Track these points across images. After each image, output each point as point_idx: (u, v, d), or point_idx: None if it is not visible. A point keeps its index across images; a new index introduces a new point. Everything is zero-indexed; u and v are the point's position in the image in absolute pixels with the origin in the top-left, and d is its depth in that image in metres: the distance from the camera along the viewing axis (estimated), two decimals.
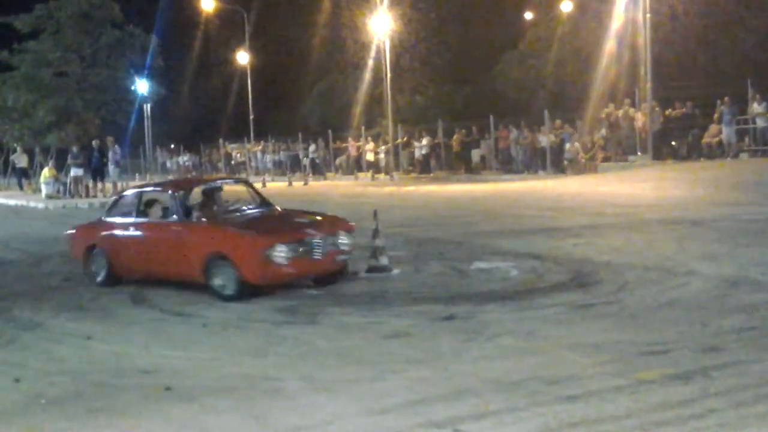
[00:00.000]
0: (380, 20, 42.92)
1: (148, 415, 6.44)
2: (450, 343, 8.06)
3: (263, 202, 12.97)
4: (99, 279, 12.69)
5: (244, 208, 12.56)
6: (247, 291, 10.83)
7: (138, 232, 12.39)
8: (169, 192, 12.22)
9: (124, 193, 14.05)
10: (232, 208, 12.53)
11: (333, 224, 12.03)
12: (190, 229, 11.65)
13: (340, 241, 11.64)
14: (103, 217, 13.44)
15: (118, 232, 12.68)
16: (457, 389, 6.60)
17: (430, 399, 6.41)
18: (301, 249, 11.00)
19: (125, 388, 7.13)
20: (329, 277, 11.69)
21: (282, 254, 10.73)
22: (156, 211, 12.44)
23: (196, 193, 13.12)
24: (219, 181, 13.43)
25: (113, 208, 13.36)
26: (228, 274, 10.92)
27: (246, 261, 10.82)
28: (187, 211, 11.94)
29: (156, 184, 15.23)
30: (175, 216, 11.90)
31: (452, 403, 6.29)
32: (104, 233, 12.90)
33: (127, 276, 12.59)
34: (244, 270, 10.79)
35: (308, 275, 11.54)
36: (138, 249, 12.33)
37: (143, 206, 12.57)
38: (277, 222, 12.06)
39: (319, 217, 12.36)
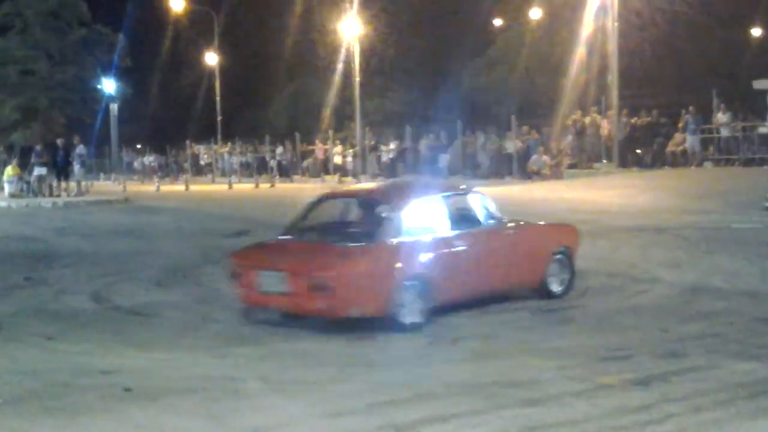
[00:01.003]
0: (350, 24, 42.90)
1: (107, 415, 6.36)
2: (412, 346, 8.05)
3: None
4: (415, 320, 9.00)
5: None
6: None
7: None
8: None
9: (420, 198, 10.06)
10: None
11: None
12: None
13: None
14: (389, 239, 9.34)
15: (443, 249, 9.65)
16: (419, 392, 6.58)
17: (392, 402, 6.39)
18: None
19: (85, 388, 7.04)
20: None
21: None
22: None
23: None
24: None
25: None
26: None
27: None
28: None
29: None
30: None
31: (414, 407, 6.27)
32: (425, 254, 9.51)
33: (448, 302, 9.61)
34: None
35: None
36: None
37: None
38: None
39: None
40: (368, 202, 10.52)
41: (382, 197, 10.43)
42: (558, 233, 11.29)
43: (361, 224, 10.03)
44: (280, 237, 10.14)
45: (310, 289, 8.68)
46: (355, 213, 10.56)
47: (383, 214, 9.62)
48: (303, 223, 10.45)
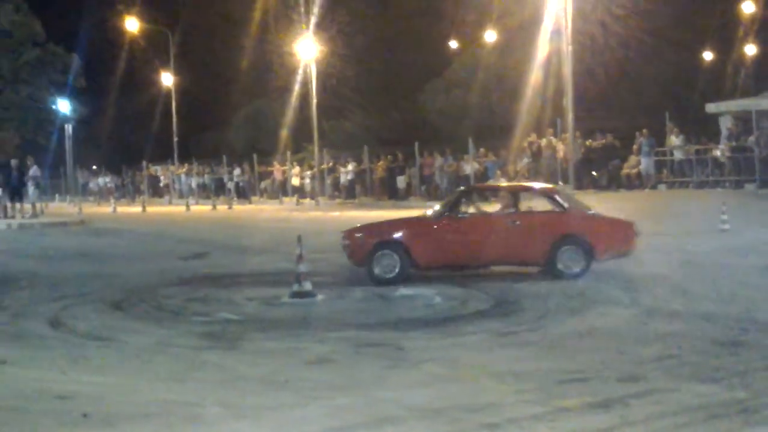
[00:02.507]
0: (306, 45, 43.00)
1: None
2: (372, 370, 8.05)
3: None
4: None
5: None
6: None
7: None
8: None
9: None
10: None
11: None
12: None
13: None
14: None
15: None
16: (379, 416, 6.58)
17: (352, 426, 6.38)
18: None
19: (40, 413, 6.94)
20: None
21: None
22: None
23: None
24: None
25: None
26: None
27: None
28: None
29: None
30: None
31: (374, 431, 6.27)
32: None
33: None
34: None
35: None
36: None
37: None
38: None
39: None
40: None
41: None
42: None
43: None
44: None
45: None
46: None
47: None
48: None
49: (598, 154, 32.07)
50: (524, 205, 14.34)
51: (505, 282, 13.26)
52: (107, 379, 8.05)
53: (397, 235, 14.09)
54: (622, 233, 14.00)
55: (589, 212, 14.60)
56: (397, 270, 13.67)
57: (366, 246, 13.76)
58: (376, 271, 13.67)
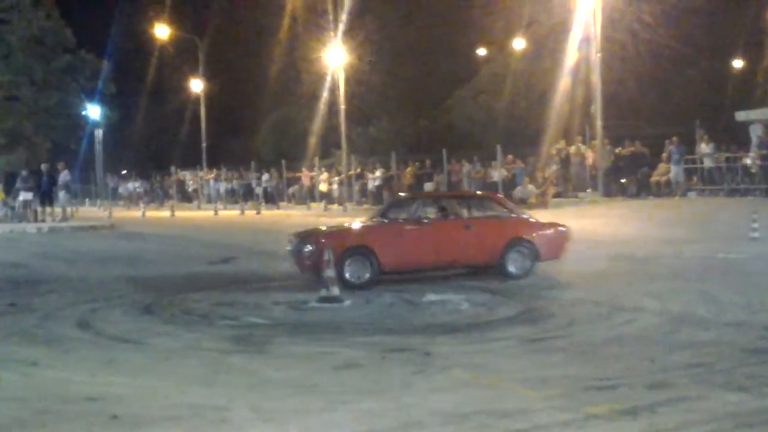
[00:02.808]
0: (335, 52, 43.08)
1: None
2: (400, 375, 8.04)
3: None
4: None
5: None
6: None
7: None
8: None
9: None
10: None
11: None
12: None
13: None
14: None
15: None
16: (407, 421, 6.58)
17: (379, 431, 6.39)
18: None
19: (70, 415, 6.99)
20: None
21: None
22: None
23: None
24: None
25: None
26: None
27: None
28: None
29: None
30: None
31: None
32: None
33: None
34: None
35: None
36: None
37: None
38: None
39: None
40: None
41: None
42: None
43: None
44: None
45: None
46: None
47: None
48: None
49: (626, 162, 31.90)
50: (475, 211, 15.39)
51: (533, 289, 13.23)
52: (136, 382, 8.10)
53: (367, 239, 14.27)
54: (560, 237, 15.18)
55: (531, 218, 15.74)
56: (368, 275, 13.90)
57: (337, 251, 13.58)
58: (348, 276, 13.73)
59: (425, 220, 14.84)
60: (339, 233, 14.81)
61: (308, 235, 14.82)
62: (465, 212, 15.25)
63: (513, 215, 15.40)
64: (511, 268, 14.50)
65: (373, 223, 15.10)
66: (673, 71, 41.64)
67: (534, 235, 14.83)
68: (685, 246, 18.21)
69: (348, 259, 13.86)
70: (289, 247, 14.82)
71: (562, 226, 15.46)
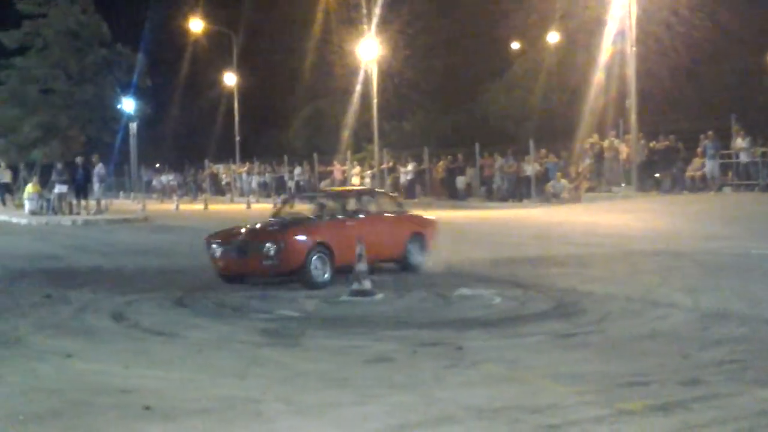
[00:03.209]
0: (368, 46, 43.10)
1: None
2: (432, 369, 8.04)
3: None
4: None
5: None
6: None
7: None
8: None
9: None
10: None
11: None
12: None
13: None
14: None
15: None
16: (438, 416, 6.58)
17: (411, 425, 6.39)
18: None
19: (104, 406, 7.06)
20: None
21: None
22: None
23: None
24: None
25: None
26: None
27: None
28: None
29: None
30: None
31: (432, 430, 6.27)
32: None
33: None
34: None
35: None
36: None
37: None
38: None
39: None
40: None
41: None
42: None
43: None
44: None
45: None
46: None
47: None
48: None
49: (661, 156, 31.68)
50: (376, 207, 16.11)
51: (566, 283, 13.18)
52: (169, 374, 8.16)
53: (326, 236, 13.98)
54: (436, 230, 16.23)
55: (413, 213, 16.68)
56: (328, 274, 13.60)
57: (304, 248, 13.38)
58: (313, 274, 13.46)
59: (360, 216, 15.14)
60: (305, 229, 14.17)
61: (275, 233, 13.91)
62: (373, 208, 15.97)
63: (402, 210, 16.28)
64: (412, 261, 15.23)
65: (311, 218, 15.18)
66: (709, 65, 41.21)
67: (427, 229, 15.84)
68: (720, 242, 18.06)
69: (314, 256, 13.46)
70: (216, 251, 13.82)
71: (435, 219, 16.77)
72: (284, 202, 16.61)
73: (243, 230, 14.59)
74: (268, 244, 13.36)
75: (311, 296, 12.64)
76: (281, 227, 14.40)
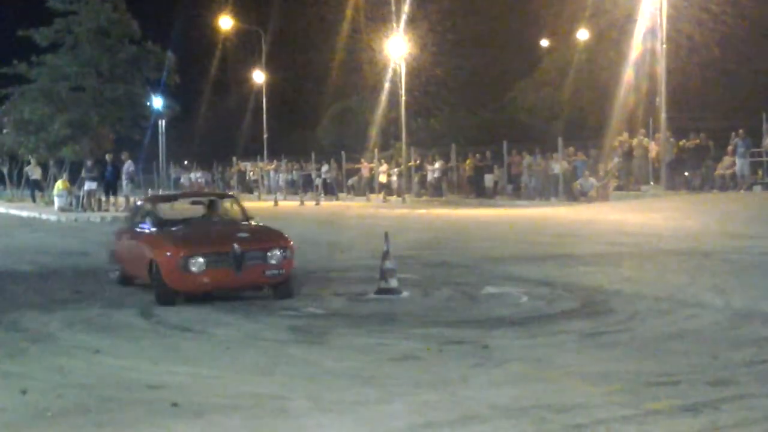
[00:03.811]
0: (396, 43, 43.08)
1: (154, 430, 6.43)
2: (458, 368, 8.03)
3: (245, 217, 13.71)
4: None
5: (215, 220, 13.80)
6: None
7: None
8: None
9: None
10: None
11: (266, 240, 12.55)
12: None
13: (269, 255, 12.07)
14: None
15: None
16: (464, 414, 6.57)
17: (437, 423, 6.38)
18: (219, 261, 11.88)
19: (132, 402, 7.11)
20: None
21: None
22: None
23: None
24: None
25: None
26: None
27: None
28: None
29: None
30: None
31: (459, 428, 6.26)
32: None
33: None
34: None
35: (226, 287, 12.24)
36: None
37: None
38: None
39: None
40: None
41: None
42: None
43: None
44: None
45: None
46: None
47: None
48: None
49: (690, 155, 31.45)
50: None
51: (594, 282, 13.11)
52: (197, 371, 8.20)
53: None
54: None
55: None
56: None
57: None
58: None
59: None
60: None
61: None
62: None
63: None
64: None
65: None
66: (741, 62, 40.87)
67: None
68: (750, 241, 17.91)
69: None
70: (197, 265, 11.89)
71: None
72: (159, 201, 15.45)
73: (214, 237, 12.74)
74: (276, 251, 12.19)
75: (338, 294, 12.65)
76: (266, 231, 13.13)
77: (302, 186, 47.79)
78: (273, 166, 53.62)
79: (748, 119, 30.87)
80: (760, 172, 29.94)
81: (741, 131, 29.40)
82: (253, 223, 13.51)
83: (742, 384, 7.27)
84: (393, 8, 43.48)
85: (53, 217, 31.68)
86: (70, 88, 38.01)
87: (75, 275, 15.30)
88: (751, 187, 28.81)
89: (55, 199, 35.22)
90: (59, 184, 35.68)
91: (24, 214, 35.64)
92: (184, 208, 16.91)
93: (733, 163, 29.59)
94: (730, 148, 29.82)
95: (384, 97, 49.06)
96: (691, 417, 6.39)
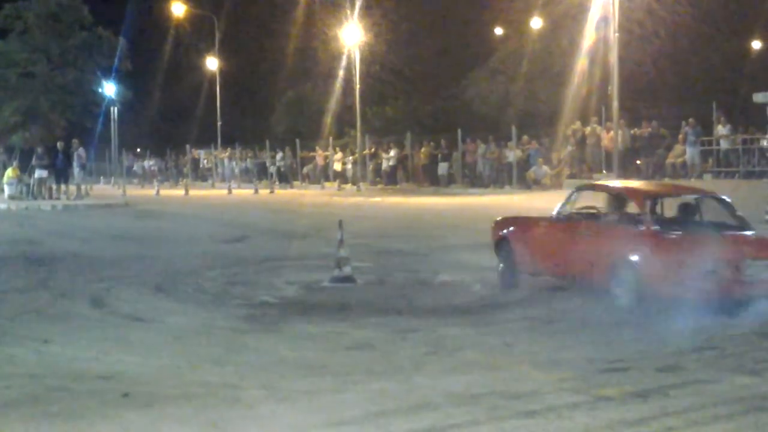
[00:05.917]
0: (351, 31, 42.98)
1: (105, 421, 6.35)
2: (411, 356, 8.05)
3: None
4: None
5: None
6: None
7: None
8: None
9: None
10: None
11: None
12: None
13: None
14: None
15: None
16: (418, 402, 6.59)
17: (390, 411, 6.39)
18: None
19: (82, 393, 7.03)
20: None
21: None
22: None
23: None
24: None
25: None
26: None
27: None
28: None
29: None
30: None
31: (412, 417, 6.28)
32: None
33: None
34: None
35: None
36: None
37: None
38: None
39: None
40: None
41: None
42: None
43: None
44: None
45: None
46: None
47: None
48: None
49: (643, 143, 31.74)
50: None
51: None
52: (149, 360, 8.13)
53: None
54: None
55: None
56: None
57: None
58: None
59: None
60: None
61: None
62: None
63: None
64: None
65: None
66: (692, 52, 41.31)
67: None
68: None
69: None
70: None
71: None
72: None
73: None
74: None
75: (292, 282, 12.62)
76: None
77: (257, 174, 47.59)
78: (227, 153, 53.29)
79: (699, 108, 31.23)
80: (710, 161, 30.28)
81: (691, 120, 29.70)
82: None
83: (690, 370, 7.38)
84: None
85: (3, 206, 31.23)
86: (19, 74, 37.54)
87: (25, 264, 15.09)
88: (701, 175, 29.13)
89: (5, 188, 34.74)
90: (9, 172, 35.18)
91: None
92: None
93: (684, 152, 29.90)
94: (681, 136, 30.13)
95: (338, 84, 48.96)
96: (640, 403, 6.46)
